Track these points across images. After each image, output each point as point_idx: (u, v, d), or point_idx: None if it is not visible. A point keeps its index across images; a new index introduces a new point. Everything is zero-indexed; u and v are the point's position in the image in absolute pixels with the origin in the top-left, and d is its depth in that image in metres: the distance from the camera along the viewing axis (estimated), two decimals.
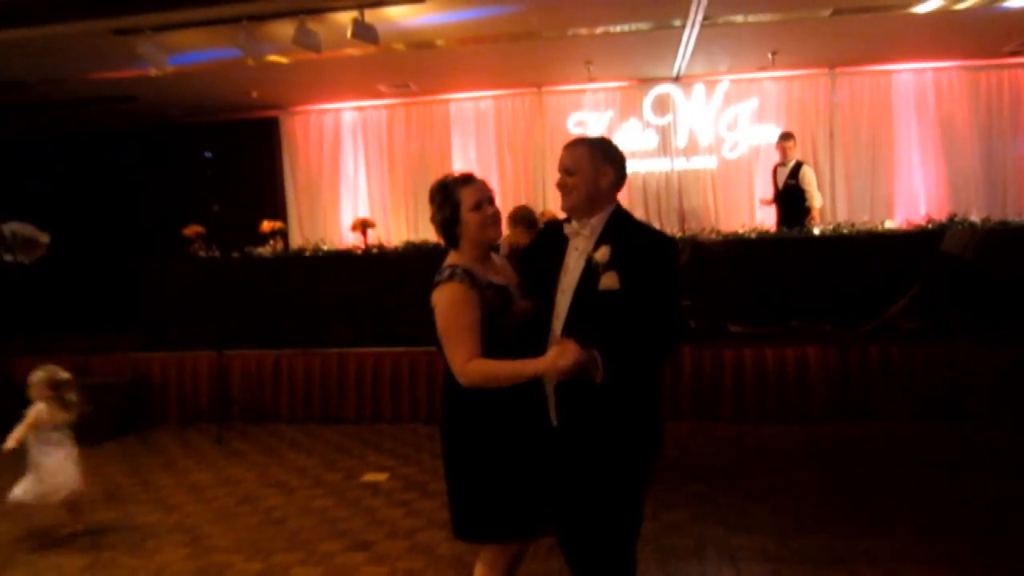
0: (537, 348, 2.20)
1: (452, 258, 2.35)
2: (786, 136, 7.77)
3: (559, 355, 2.03)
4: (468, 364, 2.18)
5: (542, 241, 2.51)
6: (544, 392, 2.30)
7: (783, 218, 7.50)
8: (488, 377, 2.18)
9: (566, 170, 2.29)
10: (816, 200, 7.62)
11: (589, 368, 2.05)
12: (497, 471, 2.26)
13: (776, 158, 7.98)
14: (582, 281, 2.23)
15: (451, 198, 2.32)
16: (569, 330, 2.19)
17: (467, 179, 2.36)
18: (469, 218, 2.30)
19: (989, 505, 4.03)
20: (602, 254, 2.17)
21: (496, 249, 2.51)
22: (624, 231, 2.25)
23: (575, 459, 2.25)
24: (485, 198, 2.32)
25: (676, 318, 2.27)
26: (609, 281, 2.15)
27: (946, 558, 3.39)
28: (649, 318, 2.14)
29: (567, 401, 2.24)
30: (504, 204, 9.36)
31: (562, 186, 2.31)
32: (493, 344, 2.21)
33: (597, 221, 2.28)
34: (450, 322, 2.21)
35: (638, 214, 8.82)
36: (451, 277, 2.23)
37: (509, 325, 2.25)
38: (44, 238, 7.53)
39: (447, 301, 2.22)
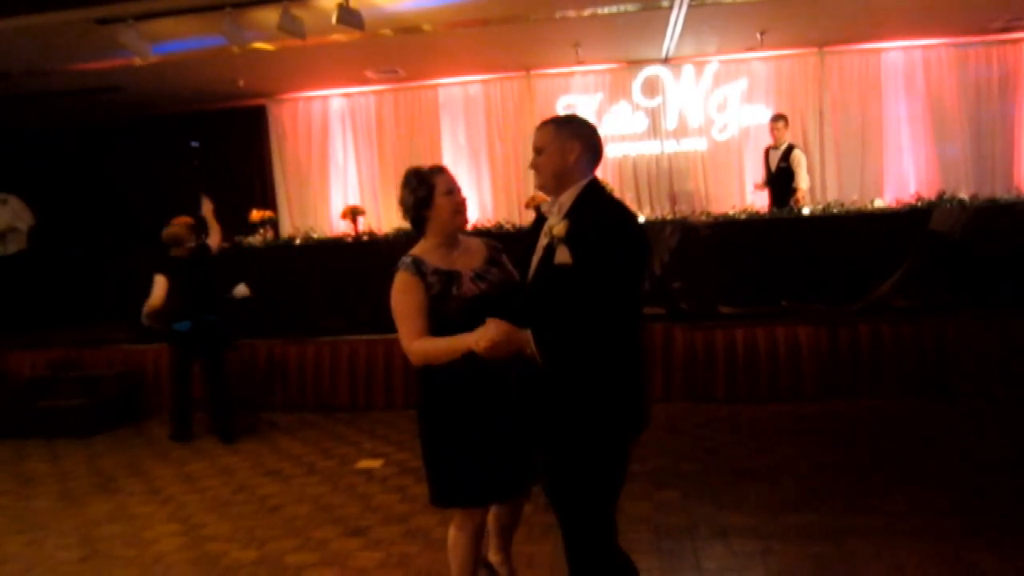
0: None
1: (417, 246, 2.58)
2: (778, 118, 7.74)
3: (483, 333, 2.15)
4: (410, 345, 2.43)
5: (535, 225, 2.54)
6: (501, 372, 2.41)
7: (776, 200, 7.50)
8: (427, 354, 2.40)
9: (536, 150, 2.34)
10: (803, 182, 7.58)
11: (521, 348, 2.14)
12: (460, 445, 2.49)
13: (767, 140, 7.96)
14: (543, 256, 2.28)
15: (427, 182, 2.53)
16: (520, 308, 2.30)
17: (440, 169, 2.58)
18: (442, 202, 2.51)
19: (979, 481, 4.08)
20: (559, 229, 2.20)
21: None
22: (590, 208, 2.24)
23: (539, 425, 2.32)
24: (455, 187, 2.56)
25: (614, 296, 2.13)
26: (562, 255, 2.18)
27: (937, 533, 3.43)
28: (587, 293, 2.11)
29: (525, 379, 2.33)
30: (494, 188, 9.44)
31: (533, 166, 2.36)
32: (441, 324, 2.43)
33: (566, 198, 2.29)
34: (396, 307, 2.48)
35: (628, 197, 8.85)
36: (401, 266, 2.50)
37: (451, 308, 2.44)
38: (20, 235, 7.60)
39: (395, 289, 2.49)
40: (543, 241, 2.31)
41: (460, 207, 2.56)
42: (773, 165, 7.69)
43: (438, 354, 2.38)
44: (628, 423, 2.26)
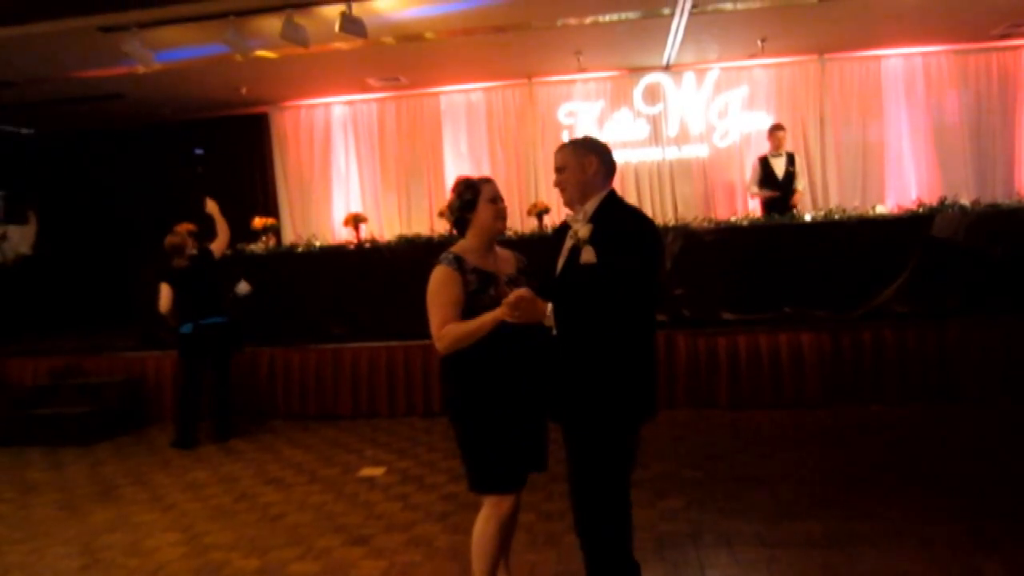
0: (517, 331, 2.48)
1: (457, 245, 2.76)
2: (780, 127, 7.77)
3: (508, 299, 2.37)
4: (440, 331, 2.60)
5: (556, 235, 2.74)
6: (526, 361, 2.63)
7: (781, 206, 7.49)
8: (458, 336, 2.57)
9: (557, 169, 2.62)
10: (803, 183, 7.79)
11: (539, 314, 2.36)
12: (492, 431, 2.64)
13: (760, 149, 7.99)
14: (569, 256, 2.52)
15: (474, 187, 2.75)
16: (546, 292, 2.48)
17: (488, 180, 2.82)
18: (485, 207, 2.72)
19: (984, 486, 4.07)
20: (584, 231, 2.44)
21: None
22: (611, 213, 2.51)
23: (557, 414, 2.54)
24: (499, 195, 2.79)
25: (635, 287, 2.39)
26: (587, 255, 2.41)
27: (941, 540, 3.42)
28: (609, 284, 2.36)
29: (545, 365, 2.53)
30: None
31: (558, 184, 2.62)
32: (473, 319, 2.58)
33: (590, 206, 2.54)
34: (433, 297, 2.64)
35: (630, 203, 8.84)
36: (442, 261, 2.67)
37: (486, 305, 2.58)
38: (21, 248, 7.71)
39: (434, 280, 2.66)
40: (568, 243, 2.54)
41: (501, 214, 2.75)
42: (780, 172, 7.72)
43: (468, 333, 2.55)
44: (642, 406, 2.47)
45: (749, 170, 8.13)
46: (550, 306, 2.37)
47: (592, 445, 2.44)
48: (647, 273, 2.42)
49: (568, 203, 2.60)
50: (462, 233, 2.78)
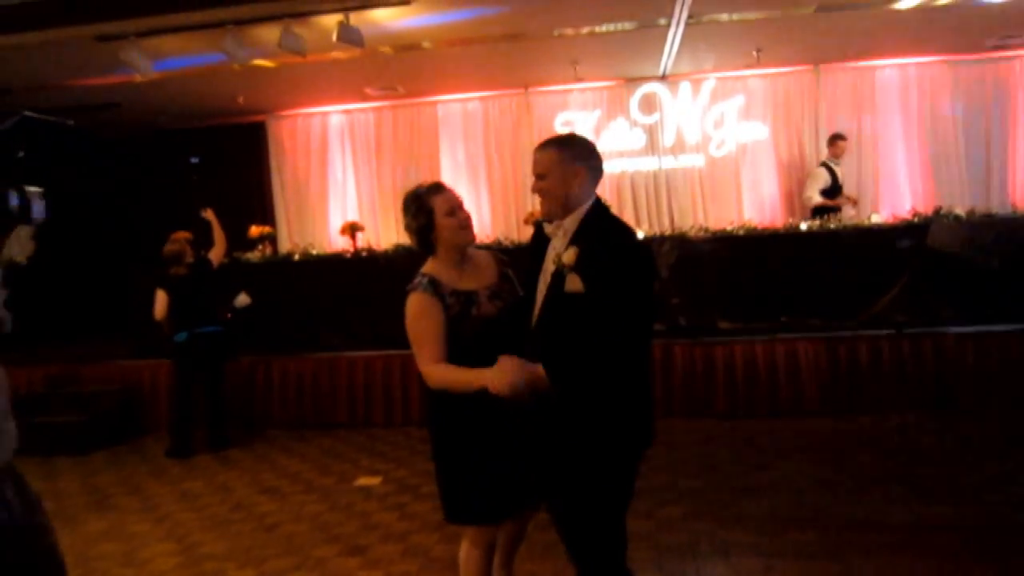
0: (503, 348, 2.25)
1: (428, 265, 2.51)
2: (842, 136, 7.92)
3: (500, 376, 2.12)
4: (429, 368, 2.37)
5: (535, 239, 2.51)
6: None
7: (834, 211, 7.59)
8: (447, 382, 2.35)
9: (538, 175, 2.30)
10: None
11: (535, 384, 2.11)
12: (474, 462, 2.46)
13: (765, 156, 8.06)
14: (552, 283, 2.25)
15: (425, 206, 2.46)
16: (531, 338, 2.28)
17: (438, 187, 2.51)
18: (444, 223, 2.45)
19: (981, 496, 4.06)
20: (568, 256, 2.18)
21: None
22: (596, 232, 2.23)
23: (551, 447, 2.30)
24: (456, 204, 2.48)
25: (631, 323, 2.14)
26: (573, 284, 2.16)
27: (939, 550, 3.41)
28: (602, 323, 2.11)
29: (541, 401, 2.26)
30: (493, 204, 9.47)
31: (536, 191, 2.32)
32: (457, 345, 2.39)
33: (571, 222, 2.28)
34: (414, 329, 2.40)
35: (627, 213, 8.88)
36: (416, 288, 2.42)
37: (470, 329, 2.41)
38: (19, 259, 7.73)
39: (412, 310, 2.41)
40: (550, 266, 2.28)
41: (465, 223, 2.48)
42: (842, 179, 7.89)
43: (457, 383, 2.31)
44: (641, 437, 2.29)
45: (746, 179, 8.09)
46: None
47: (593, 479, 2.21)
48: (643, 301, 2.19)
49: (547, 214, 2.33)
50: (430, 251, 2.51)
